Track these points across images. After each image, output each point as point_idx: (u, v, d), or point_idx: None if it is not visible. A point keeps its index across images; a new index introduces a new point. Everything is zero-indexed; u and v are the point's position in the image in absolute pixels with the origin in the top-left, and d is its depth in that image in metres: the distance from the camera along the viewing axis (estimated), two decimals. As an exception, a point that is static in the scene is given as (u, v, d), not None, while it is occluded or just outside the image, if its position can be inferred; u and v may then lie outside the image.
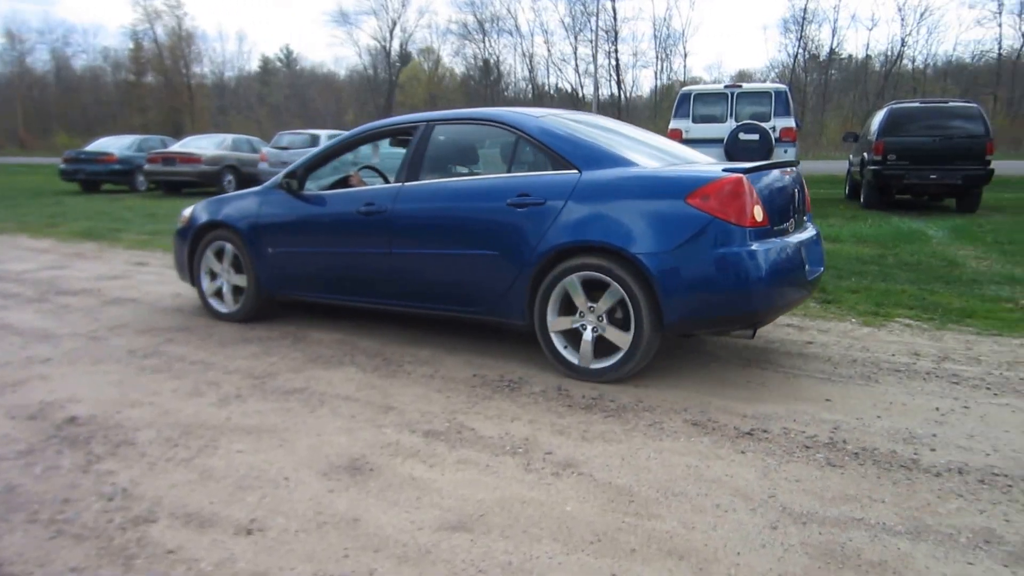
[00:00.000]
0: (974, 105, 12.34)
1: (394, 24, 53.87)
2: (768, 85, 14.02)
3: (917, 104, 12.70)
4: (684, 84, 34.75)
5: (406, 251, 4.30)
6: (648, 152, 4.08)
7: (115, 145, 19.62)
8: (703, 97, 13.43)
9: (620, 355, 3.70)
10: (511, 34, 61.12)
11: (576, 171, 3.83)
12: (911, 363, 4.10)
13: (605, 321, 3.74)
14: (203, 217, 5.24)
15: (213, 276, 5.25)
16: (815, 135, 37.29)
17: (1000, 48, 41.59)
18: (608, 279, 3.64)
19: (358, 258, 4.53)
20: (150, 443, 3.08)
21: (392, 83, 54.27)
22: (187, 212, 5.49)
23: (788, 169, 4.16)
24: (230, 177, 18.24)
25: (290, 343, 4.62)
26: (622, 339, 3.68)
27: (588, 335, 3.77)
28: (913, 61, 44.54)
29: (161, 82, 54.74)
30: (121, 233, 10.33)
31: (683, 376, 3.88)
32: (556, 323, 3.87)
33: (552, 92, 50.62)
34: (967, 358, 4.19)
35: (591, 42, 47.37)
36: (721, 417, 3.31)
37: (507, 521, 2.43)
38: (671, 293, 3.51)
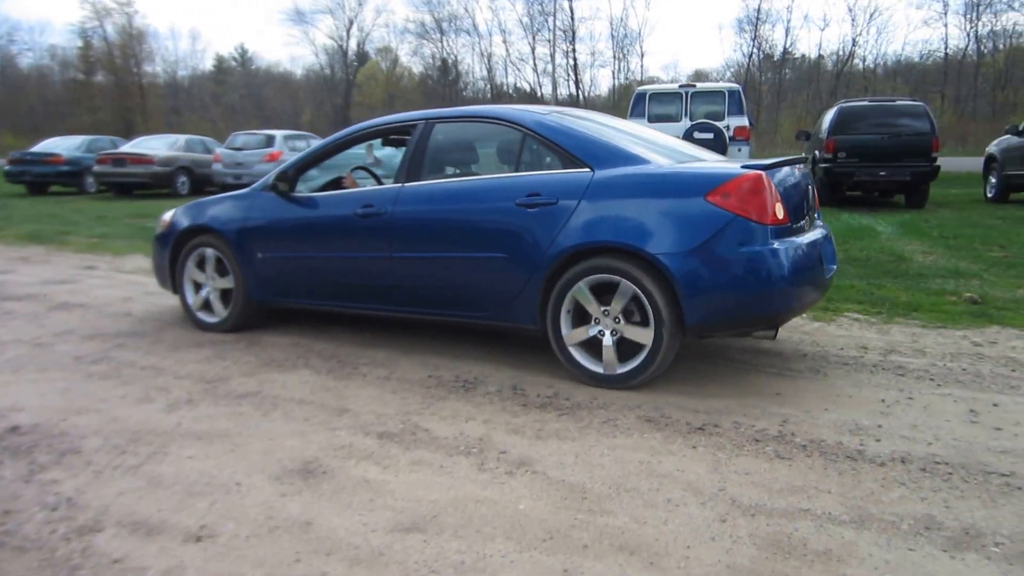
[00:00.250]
0: (920, 103, 12.66)
1: (351, 23, 53.47)
2: (722, 85, 14.24)
3: (866, 103, 12.98)
4: (641, 83, 35.07)
5: (408, 255, 4.12)
6: (658, 149, 3.94)
7: (63, 146, 19.17)
8: (658, 97, 13.58)
9: (645, 353, 3.55)
10: (469, 33, 61.10)
11: (588, 169, 3.70)
12: (859, 356, 4.19)
13: (623, 322, 3.60)
14: (185, 221, 4.98)
15: (197, 287, 4.99)
16: (770, 133, 37.89)
17: (946, 48, 42.74)
18: (618, 278, 3.53)
19: (356, 263, 4.33)
20: (96, 451, 3.02)
21: (349, 83, 53.82)
22: (167, 216, 5.21)
23: (799, 166, 4.07)
24: (183, 178, 17.95)
25: (244, 347, 4.56)
26: (643, 335, 3.55)
27: (608, 340, 3.63)
28: (864, 61, 45.57)
29: (111, 81, 53.51)
30: (69, 236, 10.09)
31: (637, 373, 3.90)
32: (573, 335, 3.72)
33: (511, 92, 50.68)
34: (912, 350, 4.30)
35: (549, 42, 47.67)
36: (674, 413, 3.35)
37: (460, 521, 2.43)
38: (692, 294, 3.40)
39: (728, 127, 12.77)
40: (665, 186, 3.57)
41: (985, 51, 41.05)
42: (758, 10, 45.55)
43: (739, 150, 12.68)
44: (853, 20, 56.71)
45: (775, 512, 2.46)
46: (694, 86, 13.74)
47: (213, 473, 2.82)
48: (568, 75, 48.22)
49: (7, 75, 56.72)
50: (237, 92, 56.03)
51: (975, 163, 14.83)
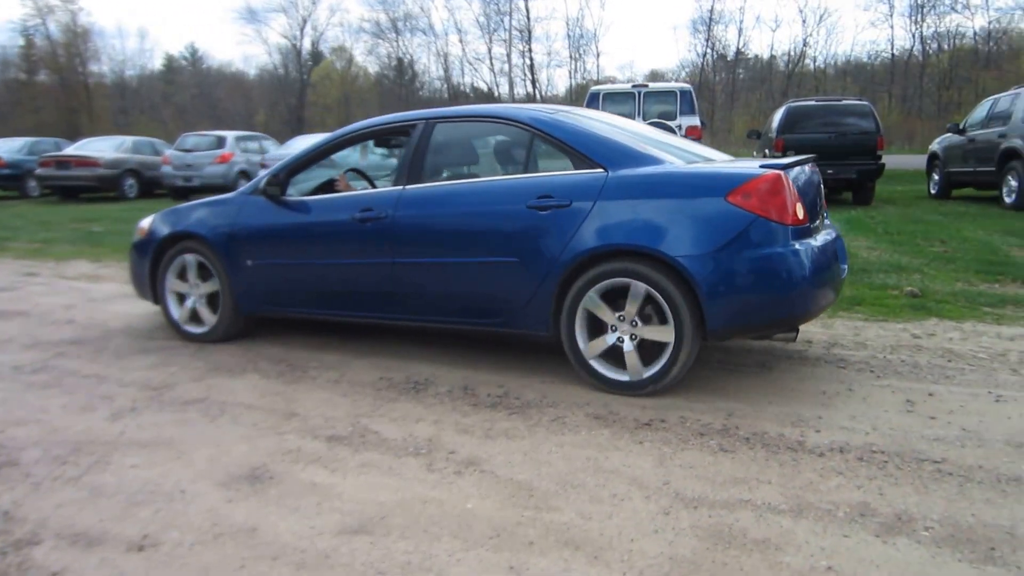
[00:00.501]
0: (866, 103, 12.98)
1: (304, 22, 52.78)
2: (673, 85, 14.44)
3: (813, 102, 13.27)
4: (598, 83, 35.32)
5: (412, 260, 3.97)
6: (668, 149, 3.83)
7: (3, 148, 18.68)
8: (612, 96, 13.72)
9: (668, 352, 3.44)
10: (425, 33, 60.79)
11: (602, 170, 3.59)
12: (803, 350, 4.29)
13: (639, 324, 3.51)
14: (166, 228, 4.75)
15: (181, 298, 4.77)
16: (724, 132, 38.48)
17: (893, 48, 43.84)
18: (630, 280, 3.45)
19: (355, 269, 4.14)
20: (36, 462, 2.96)
21: (304, 82, 53.17)
22: (145, 223, 4.96)
23: (810, 164, 4.00)
24: (131, 181, 17.62)
25: (191, 352, 4.50)
26: (664, 333, 3.45)
27: (628, 345, 3.52)
28: (815, 61, 46.48)
29: (56, 81, 52.01)
30: (9, 242, 9.83)
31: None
32: (591, 348, 3.61)
33: (468, 92, 50.63)
34: (854, 343, 4.41)
35: (505, 41, 47.73)
36: (622, 409, 3.39)
37: (408, 521, 2.44)
38: (715, 297, 3.31)
39: (680, 126, 12.96)
40: (684, 187, 3.47)
41: (930, 51, 42.21)
42: (711, 11, 46.23)
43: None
44: (804, 21, 58.10)
45: (717, 504, 2.51)
46: (647, 86, 13.91)
47: (157, 481, 2.78)
48: (525, 75, 48.39)
49: (-56, 76, 54.89)
50: (188, 92, 54.95)
51: (921, 161, 15.25)
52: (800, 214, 3.39)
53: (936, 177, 13.67)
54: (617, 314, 3.53)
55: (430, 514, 2.49)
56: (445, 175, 4.28)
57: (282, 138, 20.01)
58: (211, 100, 52.90)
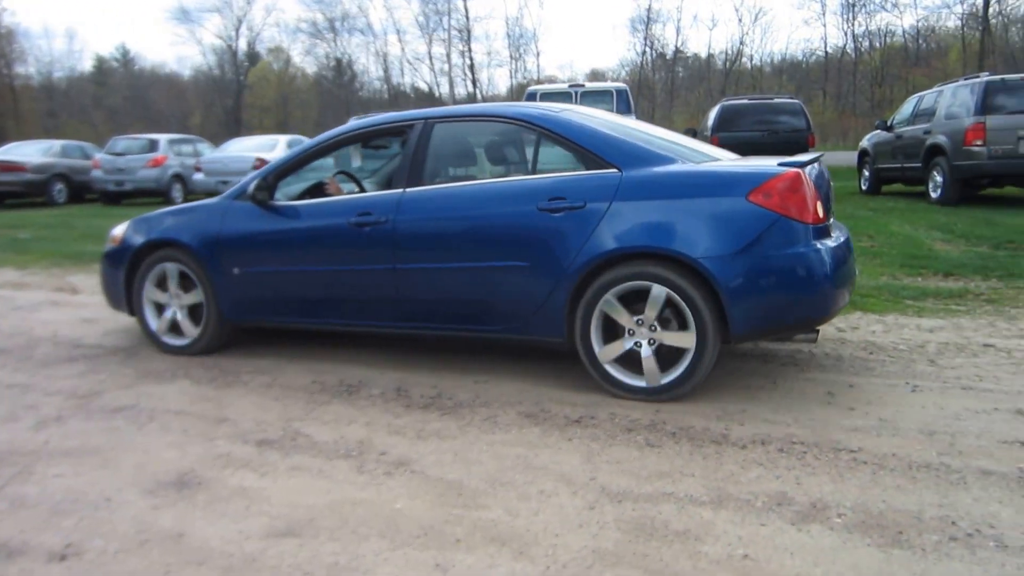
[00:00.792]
0: (796, 101, 13.36)
1: (240, 22, 51.79)
2: (610, 84, 14.61)
3: (746, 101, 13.60)
4: (539, 82, 35.52)
5: (415, 266, 3.82)
6: (678, 148, 3.75)
7: (-75, 154, 17.90)
8: (549, 96, 13.79)
9: (688, 357, 3.38)
10: (363, 33, 60.53)
11: (616, 170, 3.50)
12: (731, 345, 4.40)
13: (659, 329, 3.44)
14: (142, 236, 4.52)
15: (160, 309, 4.55)
16: (662, 131, 38.97)
17: (826, 46, 45.16)
18: (649, 283, 3.37)
19: (353, 276, 3.97)
20: (-47, 474, 2.88)
21: (240, 84, 52.22)
22: (118, 231, 4.73)
23: (820, 162, 3.88)
24: (60, 186, 17.10)
25: (120, 360, 4.41)
26: (685, 339, 3.38)
27: (646, 351, 3.44)
28: (752, 59, 47.58)
29: (-22, 84, 50.20)
30: (-68, 249, 9.46)
31: (520, 371, 4.00)
32: (606, 352, 3.52)
33: (409, 92, 50.40)
34: (781, 337, 4.54)
35: (445, 41, 47.65)
36: (553, 407, 3.45)
37: (336, 523, 2.45)
38: (738, 300, 3.26)
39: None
40: (703, 186, 3.40)
41: (862, 50, 43.57)
42: (648, 10, 46.96)
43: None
44: (740, 20, 59.40)
45: (641, 497, 2.58)
46: (583, 86, 14.04)
47: (82, 490, 2.74)
48: (465, 75, 48.39)
49: None
50: (120, 94, 53.41)
51: (854, 157, 15.70)
52: (820, 212, 3.36)
53: (866, 173, 14.10)
54: (635, 317, 3.46)
55: (359, 515, 2.50)
56: (447, 177, 4.17)
57: (219, 140, 19.62)
58: (144, 102, 51.52)
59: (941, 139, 11.00)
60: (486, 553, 2.25)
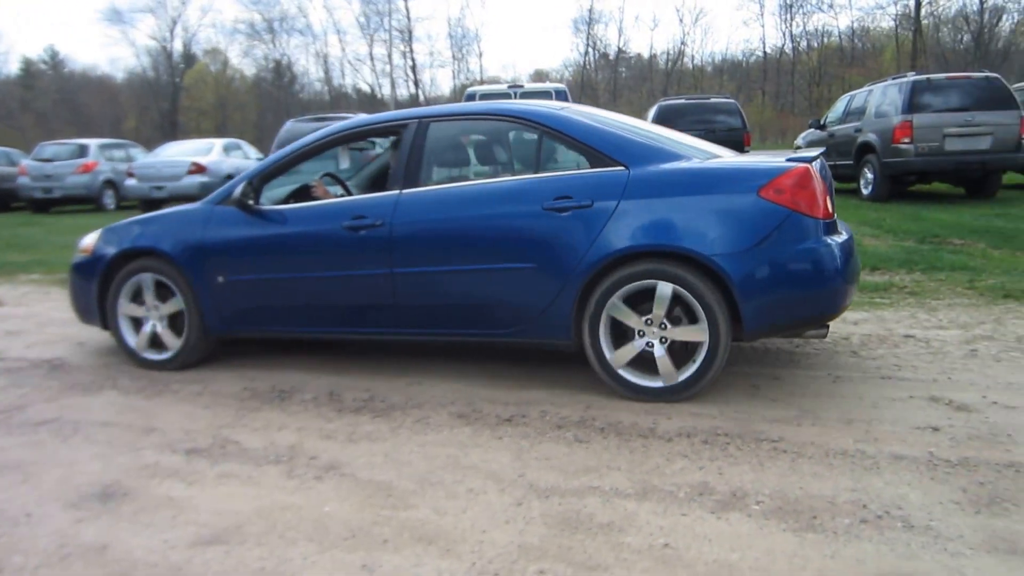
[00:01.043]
0: (732, 101, 13.66)
1: (174, 23, 50.58)
2: (548, 85, 14.73)
3: (683, 100, 13.87)
4: (483, 83, 35.56)
5: (414, 270, 3.70)
6: (681, 146, 3.70)
7: None
8: (489, 96, 13.83)
9: (703, 351, 3.35)
10: (303, 33, 59.60)
11: (623, 168, 3.45)
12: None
13: (669, 327, 3.40)
14: (116, 246, 4.27)
15: (137, 323, 4.32)
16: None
17: (765, 47, 46.21)
18: (655, 282, 3.34)
19: (348, 282, 3.83)
20: None
21: (176, 86, 51.03)
22: (88, 241, 4.47)
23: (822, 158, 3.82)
24: (-18, 194, 16.53)
25: (45, 372, 4.30)
26: (697, 333, 3.34)
27: (659, 350, 3.39)
28: (693, 60, 48.42)
29: None
30: None
31: (454, 372, 4.01)
32: (619, 357, 3.47)
33: (351, 93, 49.97)
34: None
35: (386, 42, 47.35)
36: (485, 407, 3.48)
37: (264, 529, 2.44)
38: (752, 297, 3.24)
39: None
40: (713, 183, 3.37)
41: (800, 50, 44.70)
42: (590, 11, 47.44)
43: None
44: (681, 21, 60.39)
45: (568, 492, 2.63)
46: (522, 86, 14.11)
47: (1, 507, 2.67)
48: (407, 75, 48.22)
49: None
50: (49, 98, 51.72)
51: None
52: (829, 208, 3.37)
53: (800, 172, 14.45)
54: (644, 318, 3.42)
55: (287, 520, 2.50)
56: (445, 177, 4.08)
57: (153, 145, 19.10)
58: (75, 106, 49.94)
59: (871, 137, 11.36)
60: (413, 552, 2.27)
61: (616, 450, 2.97)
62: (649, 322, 3.41)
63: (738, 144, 12.70)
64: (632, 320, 3.43)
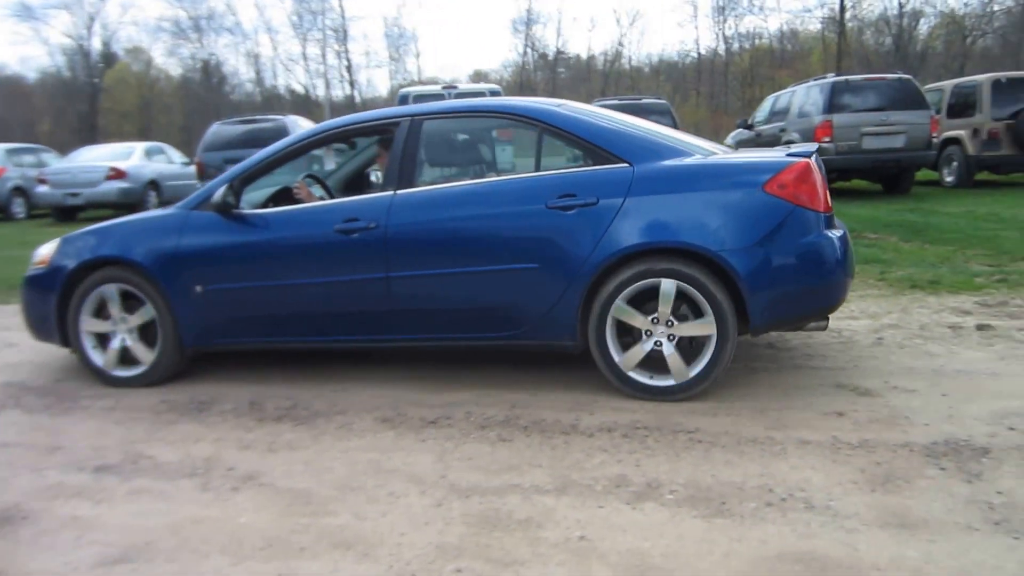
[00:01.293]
0: (664, 102, 13.94)
1: (92, 20, 48.30)
2: (483, 86, 14.78)
3: (615, 101, 14.05)
4: (421, 83, 35.39)
5: (412, 273, 3.59)
6: (680, 142, 3.69)
7: None
8: (422, 98, 13.77)
9: (712, 345, 3.33)
10: (232, 32, 58.36)
11: (627, 164, 3.42)
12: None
13: (675, 324, 3.37)
14: (77, 256, 3.99)
15: (103, 340, 4.03)
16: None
17: (699, 48, 47.22)
18: (659, 280, 3.32)
19: (340, 288, 3.69)
20: None
21: (96, 87, 48.92)
22: (45, 251, 4.18)
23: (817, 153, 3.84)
24: None
25: (-55, 392, 4.10)
26: (704, 327, 3.33)
27: (668, 348, 3.37)
28: (630, 60, 49.11)
29: None
30: None
31: (379, 377, 3.99)
32: (628, 359, 3.42)
33: (284, 94, 49.02)
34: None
35: (320, 41, 46.62)
36: (410, 410, 3.47)
37: (175, 544, 2.39)
38: (759, 291, 3.25)
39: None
40: (719, 178, 3.38)
41: (733, 51, 45.80)
42: (529, 11, 47.64)
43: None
44: (618, 22, 61.23)
45: (489, 491, 2.64)
46: (456, 87, 14.11)
47: None
48: (343, 76, 47.61)
49: None
50: (-48, 100, 49.17)
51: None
52: (829, 202, 3.41)
53: (729, 170, 14.84)
54: (649, 317, 3.40)
55: (201, 533, 2.44)
56: (440, 177, 3.97)
57: (69, 149, 18.18)
58: (-18, 109, 47.55)
59: (794, 136, 11.75)
60: (331, 558, 2.25)
61: (538, 447, 2.99)
62: (655, 321, 3.39)
63: None
64: (638, 321, 3.40)
